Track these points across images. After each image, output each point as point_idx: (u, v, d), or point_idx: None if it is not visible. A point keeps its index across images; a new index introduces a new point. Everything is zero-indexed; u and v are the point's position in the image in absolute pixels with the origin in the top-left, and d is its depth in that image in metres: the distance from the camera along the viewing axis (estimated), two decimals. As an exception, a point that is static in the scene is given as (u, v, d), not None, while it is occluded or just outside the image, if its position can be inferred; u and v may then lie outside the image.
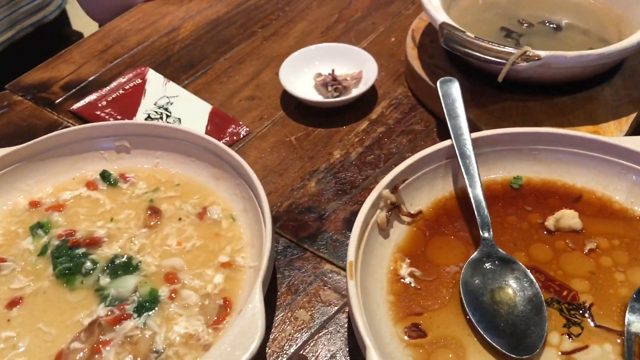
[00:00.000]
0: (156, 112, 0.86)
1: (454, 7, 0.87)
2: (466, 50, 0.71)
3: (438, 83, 0.71)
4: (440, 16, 0.76)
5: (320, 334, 0.59)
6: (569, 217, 0.63)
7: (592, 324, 0.56)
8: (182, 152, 0.73)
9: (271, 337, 0.59)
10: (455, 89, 0.70)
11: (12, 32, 1.14)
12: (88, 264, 0.63)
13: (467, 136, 0.66)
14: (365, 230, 0.61)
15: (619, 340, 0.54)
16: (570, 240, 0.62)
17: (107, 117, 0.85)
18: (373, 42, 0.97)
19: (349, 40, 0.97)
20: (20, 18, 1.15)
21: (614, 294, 0.58)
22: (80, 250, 0.65)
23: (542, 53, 0.68)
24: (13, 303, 0.61)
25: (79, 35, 1.52)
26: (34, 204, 0.71)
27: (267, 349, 0.58)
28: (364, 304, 0.55)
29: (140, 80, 0.91)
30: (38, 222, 0.68)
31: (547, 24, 0.85)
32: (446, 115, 0.68)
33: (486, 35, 0.82)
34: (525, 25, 0.84)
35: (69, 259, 0.64)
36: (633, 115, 0.73)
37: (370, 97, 0.86)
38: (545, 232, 0.63)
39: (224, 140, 0.81)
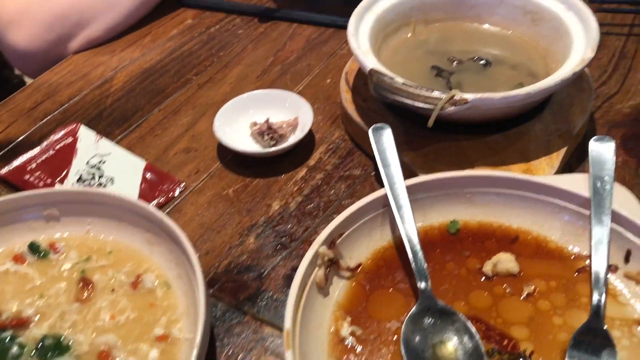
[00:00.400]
0: (88, 172, 0.83)
1: (385, 47, 0.88)
2: (395, 97, 0.71)
3: (370, 131, 0.71)
4: (369, 62, 0.76)
5: (262, 405, 0.58)
6: (505, 261, 0.63)
7: (532, 373, 0.55)
8: (114, 217, 0.71)
9: (212, 411, 0.57)
10: (387, 136, 0.70)
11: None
12: (15, 349, 0.60)
13: (400, 184, 0.66)
14: (303, 292, 0.59)
15: (559, 391, 0.54)
16: (508, 284, 0.62)
17: (37, 181, 0.82)
18: (309, 84, 0.96)
19: (285, 84, 0.97)
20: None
21: (553, 340, 0.58)
22: (7, 334, 0.62)
23: (469, 96, 0.69)
24: None
25: (19, 79, 1.48)
26: (-43, 285, 0.67)
27: None
28: (304, 372, 0.54)
29: (71, 139, 0.88)
30: (-39, 305, 0.65)
31: (477, 60, 0.86)
32: (379, 164, 0.68)
33: (417, 75, 0.83)
34: (456, 62, 0.85)
35: (-6, 345, 0.61)
36: (563, 150, 0.74)
37: (307, 143, 0.85)
38: (483, 279, 0.63)
39: (159, 198, 0.79)
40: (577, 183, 0.66)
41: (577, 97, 0.81)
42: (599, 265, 0.61)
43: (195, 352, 0.53)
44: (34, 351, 0.60)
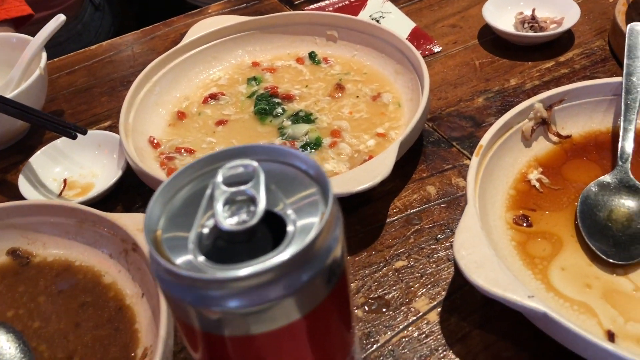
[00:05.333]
0: (368, 22, 0.99)
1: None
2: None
3: (628, 26, 0.72)
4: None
5: (438, 203, 0.68)
6: None
7: (703, 260, 0.55)
8: (376, 48, 0.86)
9: (402, 194, 0.69)
10: (643, 33, 0.71)
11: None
12: (279, 110, 0.80)
13: (639, 77, 0.68)
14: (506, 132, 0.66)
15: None
16: None
17: (328, 18, 1.01)
18: (591, 0, 0.98)
19: (565, -5, 0.99)
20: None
21: None
22: (277, 100, 0.82)
23: None
24: (220, 122, 0.80)
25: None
26: (255, 64, 0.89)
27: (391, 204, 0.69)
28: (481, 187, 0.61)
29: (364, -3, 1.05)
30: (254, 76, 0.87)
31: None
32: (625, 55, 0.70)
33: None
34: None
35: (267, 104, 0.81)
36: None
37: (565, 43, 0.89)
38: (691, 179, 0.63)
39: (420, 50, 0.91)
40: None
41: None
42: None
43: (397, 145, 0.65)
44: (290, 116, 0.79)
